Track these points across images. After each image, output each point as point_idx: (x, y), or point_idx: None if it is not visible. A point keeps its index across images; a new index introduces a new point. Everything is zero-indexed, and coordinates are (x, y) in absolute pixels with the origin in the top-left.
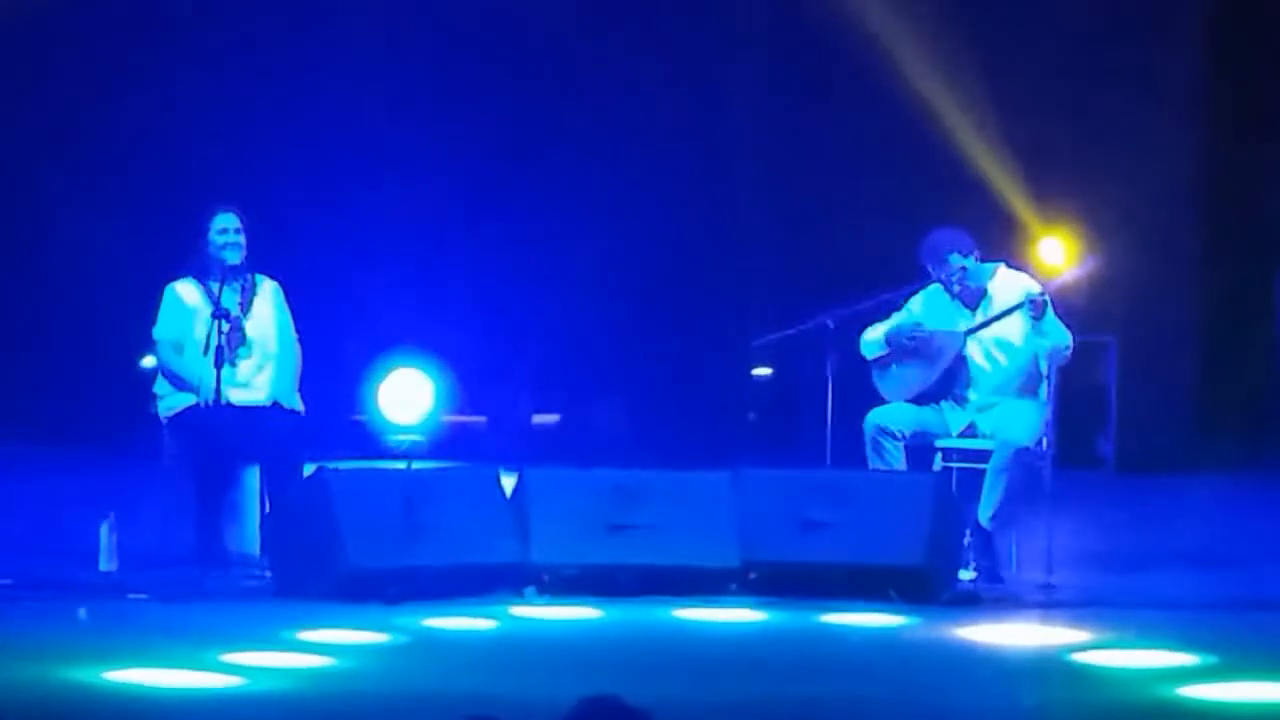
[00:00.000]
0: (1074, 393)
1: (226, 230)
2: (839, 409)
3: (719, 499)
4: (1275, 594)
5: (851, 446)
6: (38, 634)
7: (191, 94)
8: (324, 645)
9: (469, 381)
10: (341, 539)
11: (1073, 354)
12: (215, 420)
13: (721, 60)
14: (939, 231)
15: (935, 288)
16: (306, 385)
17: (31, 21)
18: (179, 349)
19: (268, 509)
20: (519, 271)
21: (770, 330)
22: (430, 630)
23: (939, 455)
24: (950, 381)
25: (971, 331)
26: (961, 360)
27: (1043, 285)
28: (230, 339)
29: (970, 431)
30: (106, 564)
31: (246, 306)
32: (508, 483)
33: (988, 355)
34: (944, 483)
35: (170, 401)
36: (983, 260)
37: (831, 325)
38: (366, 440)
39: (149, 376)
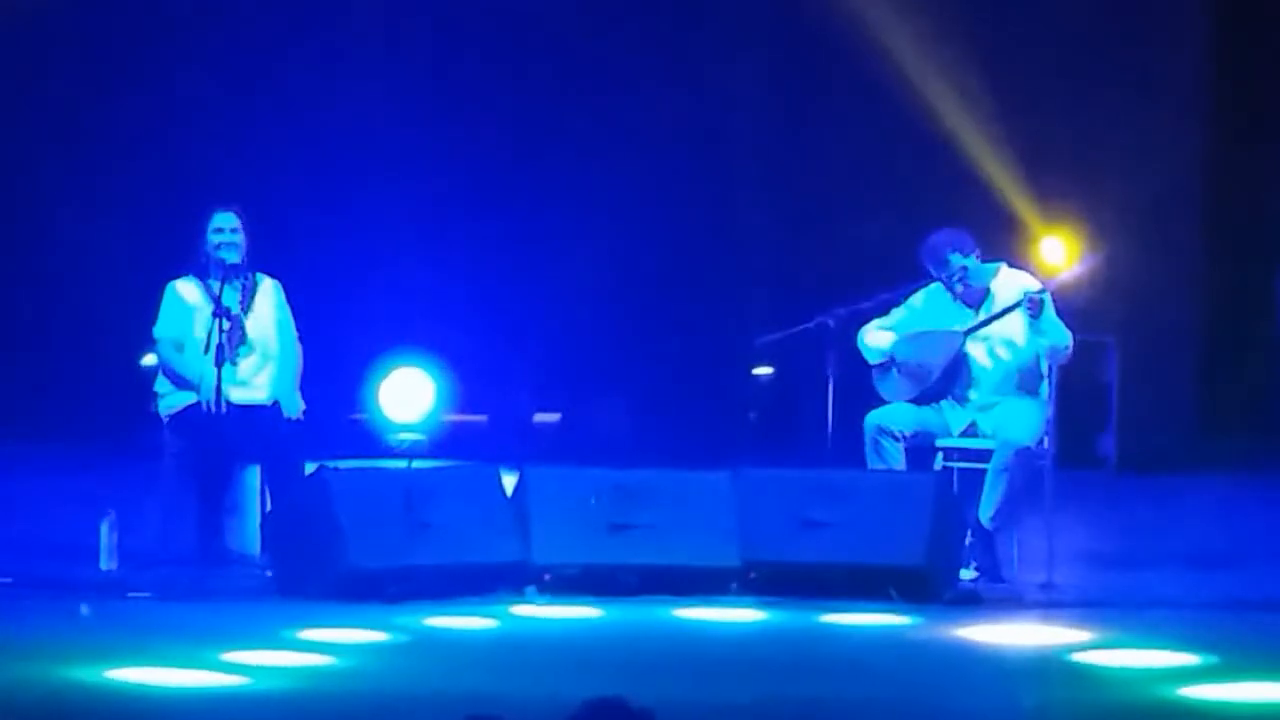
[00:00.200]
0: (1075, 392)
1: (222, 230)
2: (839, 409)
3: (720, 498)
4: (1276, 594)
5: (852, 446)
6: (39, 633)
7: (192, 93)
8: (325, 644)
9: (470, 380)
10: (342, 538)
11: (1073, 353)
12: (216, 419)
13: (722, 60)
14: (939, 233)
15: (936, 286)
16: (307, 384)
17: (31, 21)
18: (180, 347)
19: (268, 508)
20: (520, 270)
21: (771, 330)
22: (431, 629)
23: (940, 455)
24: (951, 381)
25: (970, 331)
26: (962, 359)
27: (1044, 284)
28: (231, 337)
29: (971, 431)
30: (107, 563)
31: (247, 305)
32: (509, 482)
33: (989, 354)
34: (945, 482)
35: (171, 400)
36: (984, 260)
37: (832, 325)
38: (367, 439)
39: (150, 375)
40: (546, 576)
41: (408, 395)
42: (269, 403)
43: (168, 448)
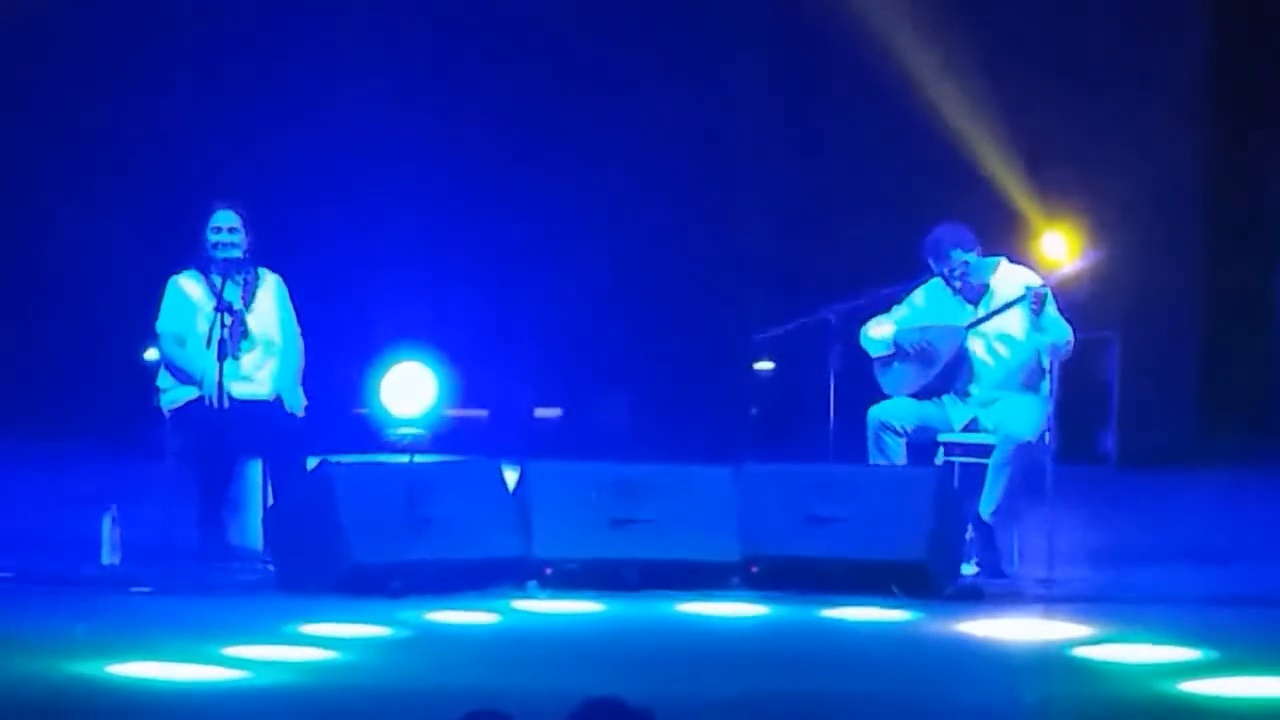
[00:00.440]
0: (1076, 388)
1: (220, 230)
2: (841, 404)
3: (721, 493)
4: (1277, 589)
5: (854, 441)
6: (41, 628)
7: (195, 89)
8: (327, 639)
9: (471, 376)
10: (344, 533)
11: (1074, 349)
12: (218, 414)
13: (722, 56)
14: (941, 227)
15: (937, 282)
16: (309, 379)
17: (32, 18)
18: (182, 342)
19: (270, 503)
20: (522, 266)
21: (772, 325)
22: (433, 624)
23: (941, 450)
24: (952, 376)
25: (972, 326)
26: (964, 355)
27: (1044, 280)
28: (233, 332)
29: (973, 426)
30: (109, 558)
31: (249, 300)
32: (510, 477)
33: (990, 350)
34: (946, 478)
35: (173, 395)
36: (984, 256)
37: (833, 320)
38: (369, 434)
39: (152, 370)
40: (548, 571)
41: (409, 390)
42: (271, 398)
43: (170, 443)
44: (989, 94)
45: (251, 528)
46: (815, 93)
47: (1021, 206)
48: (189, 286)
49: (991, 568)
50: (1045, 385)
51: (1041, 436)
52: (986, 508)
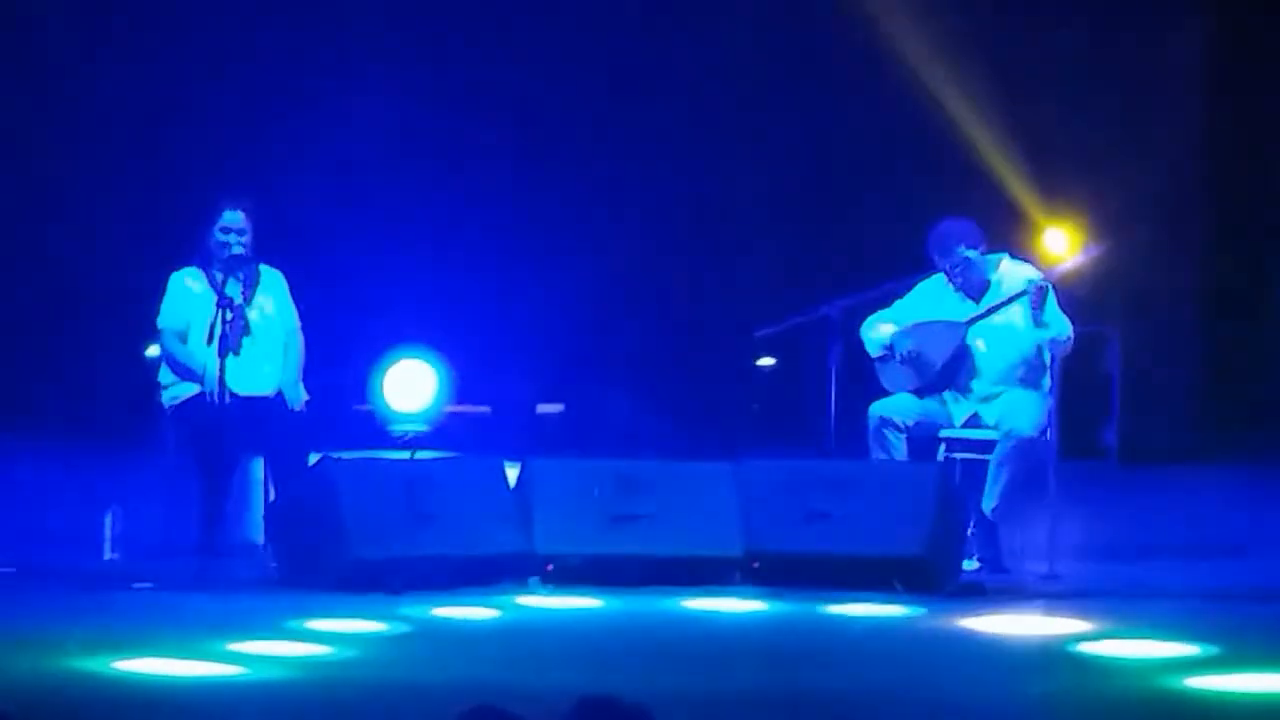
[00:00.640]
0: (1077, 384)
1: (230, 230)
2: (842, 400)
3: (722, 489)
4: (1279, 584)
5: (855, 437)
6: (44, 624)
7: (198, 85)
8: (328, 635)
9: (473, 371)
10: (346, 529)
11: (1076, 345)
12: (219, 410)
13: (723, 49)
14: (949, 222)
15: (938, 278)
16: (311, 375)
17: (36, 13)
18: (183, 338)
19: (272, 499)
20: (523, 262)
21: (774, 321)
22: (435, 620)
23: (943, 446)
24: (954, 372)
25: (973, 322)
26: (965, 351)
27: (1046, 275)
28: (234, 328)
29: (974, 422)
30: (111, 553)
31: (250, 296)
32: (512, 473)
33: (991, 345)
34: (947, 473)
35: (175, 391)
36: (987, 252)
37: (835, 316)
38: (371, 430)
39: (153, 367)
40: (549, 567)
41: (411, 386)
42: (272, 394)
43: (171, 439)
44: (991, 90)
45: (253, 524)
46: (817, 88)
47: (1023, 202)
48: (191, 282)
49: (993, 563)
50: (1046, 381)
51: (1043, 432)
52: (988, 503)
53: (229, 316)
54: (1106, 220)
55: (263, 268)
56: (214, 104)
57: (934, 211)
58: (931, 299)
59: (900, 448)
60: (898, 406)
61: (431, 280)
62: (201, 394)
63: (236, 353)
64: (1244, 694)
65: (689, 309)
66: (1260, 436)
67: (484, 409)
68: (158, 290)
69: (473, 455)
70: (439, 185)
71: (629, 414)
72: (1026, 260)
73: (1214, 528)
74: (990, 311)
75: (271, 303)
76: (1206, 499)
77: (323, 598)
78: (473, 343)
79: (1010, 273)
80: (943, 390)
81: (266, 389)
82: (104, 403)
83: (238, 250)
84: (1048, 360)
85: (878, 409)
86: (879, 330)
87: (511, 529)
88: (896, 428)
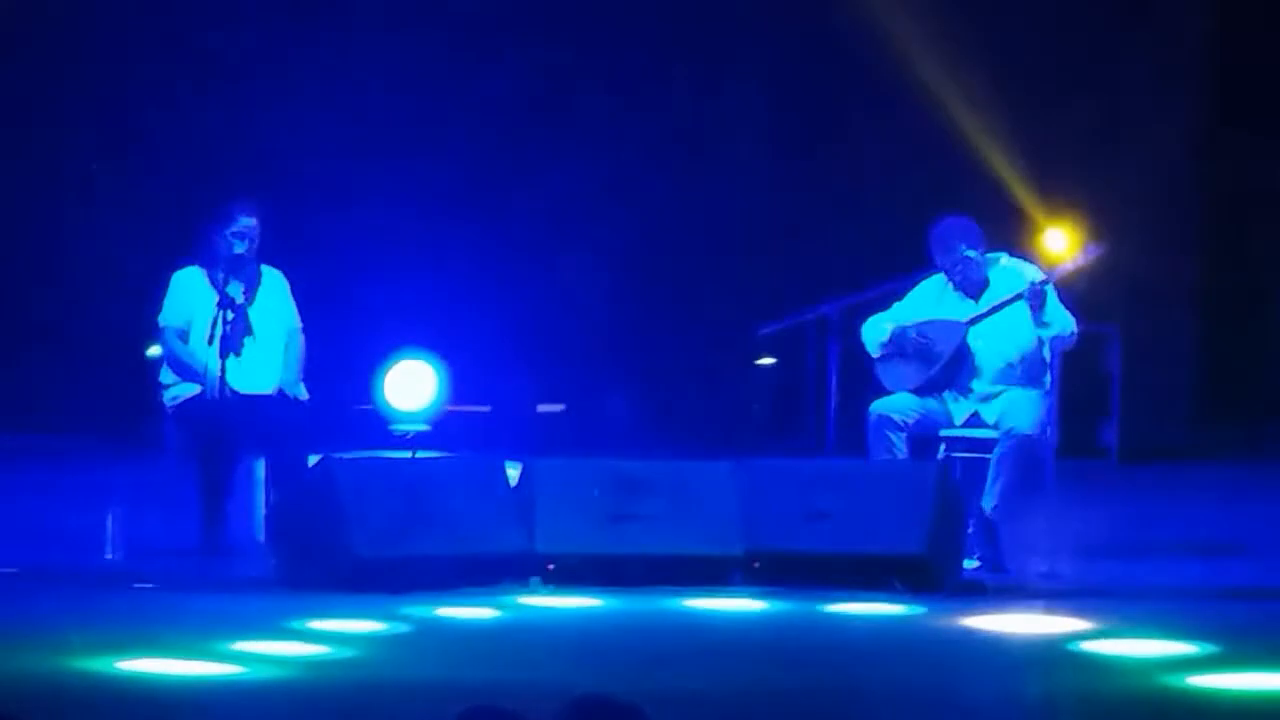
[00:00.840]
0: (1077, 383)
1: (242, 235)
2: (842, 399)
3: (723, 488)
4: (1278, 582)
5: (855, 436)
6: (45, 624)
7: (201, 85)
8: (329, 634)
9: (474, 371)
10: (347, 528)
11: (1076, 343)
12: (220, 409)
13: (725, 49)
14: (953, 219)
15: (938, 277)
16: (311, 375)
17: (39, 15)
18: (184, 337)
19: (273, 498)
20: (524, 262)
21: (774, 320)
22: (436, 619)
23: (943, 445)
24: (953, 372)
25: (973, 321)
26: (965, 350)
27: (1045, 274)
28: (235, 328)
29: (974, 421)
30: (112, 553)
31: (252, 296)
32: (513, 472)
33: (991, 344)
34: (947, 472)
35: (176, 391)
36: (987, 252)
37: (834, 315)
38: (372, 430)
39: (155, 366)
40: (550, 566)
41: (412, 386)
42: (273, 393)
43: (172, 438)
44: (991, 90)
45: (254, 523)
46: (817, 89)
47: (1023, 202)
48: (192, 282)
49: (993, 562)
50: (1047, 380)
51: (1043, 431)
52: (988, 502)
53: (230, 317)
54: (1106, 220)
55: (264, 268)
56: (215, 104)
57: (934, 211)
58: (931, 299)
59: (900, 447)
60: (898, 405)
61: (433, 279)
62: (202, 394)
63: (238, 353)
64: (1244, 693)
65: (689, 309)
66: (1259, 436)
67: (485, 408)
68: (159, 290)
69: (474, 455)
70: (440, 185)
71: (630, 413)
72: (1026, 259)
73: (1213, 526)
74: (991, 311)
75: (273, 302)
76: (1206, 497)
77: (323, 597)
78: (473, 342)
79: (1009, 272)
80: (943, 389)
81: (267, 389)
82: (105, 402)
83: (239, 251)
84: (1048, 359)
85: (878, 408)
86: (879, 330)
87: (512, 528)
88: (896, 427)
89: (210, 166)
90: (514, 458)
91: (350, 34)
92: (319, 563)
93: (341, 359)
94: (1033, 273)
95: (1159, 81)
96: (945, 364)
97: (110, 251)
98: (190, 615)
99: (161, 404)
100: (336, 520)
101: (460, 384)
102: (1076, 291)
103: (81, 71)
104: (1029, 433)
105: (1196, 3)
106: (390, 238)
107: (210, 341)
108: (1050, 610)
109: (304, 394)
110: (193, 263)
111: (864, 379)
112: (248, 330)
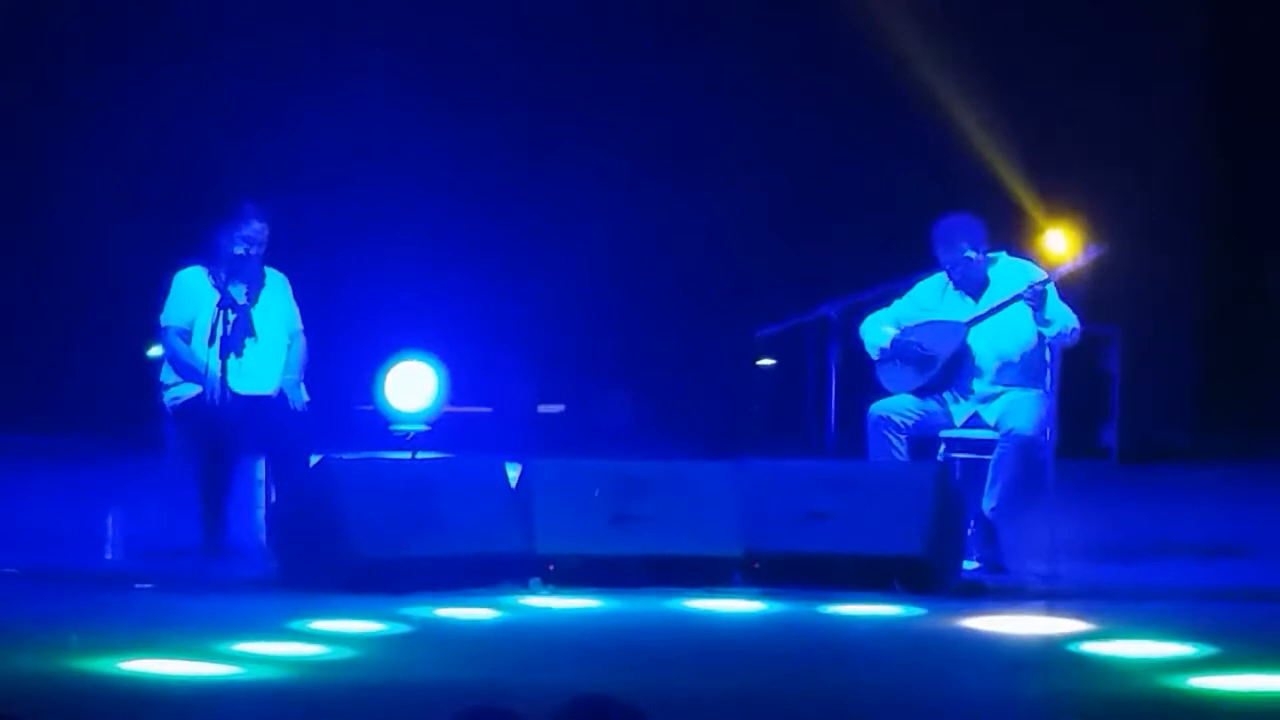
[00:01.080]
0: (1077, 383)
1: (252, 241)
2: (842, 400)
3: (722, 489)
4: (1278, 584)
5: (855, 437)
6: (45, 624)
7: (203, 86)
8: (329, 635)
9: (474, 372)
10: (347, 529)
11: (1076, 344)
12: (220, 410)
13: (724, 50)
14: (958, 217)
15: (939, 276)
16: (312, 375)
17: (42, 15)
18: (185, 337)
19: (273, 499)
20: (524, 262)
21: (773, 321)
22: (436, 620)
23: (943, 446)
24: (953, 373)
25: (973, 322)
26: (964, 351)
27: (1045, 274)
28: (236, 329)
29: (974, 422)
30: (112, 553)
31: (254, 297)
32: (513, 473)
33: (991, 345)
34: (947, 473)
35: (176, 391)
36: (988, 252)
37: (834, 316)
38: (372, 431)
39: (155, 367)
40: (550, 567)
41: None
42: (274, 394)
43: (173, 439)
44: (991, 91)
45: (254, 523)
46: (818, 86)
47: (1023, 202)
48: (194, 282)
49: (993, 563)
50: (1047, 381)
51: (1043, 432)
52: (988, 503)
53: (231, 317)
54: (1107, 220)
55: (267, 270)
56: (216, 105)
57: (933, 211)
58: (931, 298)
59: (900, 448)
60: (897, 407)
61: (433, 280)
62: (203, 394)
63: (239, 354)
64: (1244, 694)
65: (689, 310)
66: (1260, 436)
67: (485, 409)
68: (160, 289)
69: (474, 455)
70: (441, 186)
71: (629, 414)
72: (1026, 259)
73: (1214, 527)
74: (992, 312)
75: (274, 303)
76: (1206, 498)
77: (323, 598)
78: (473, 343)
79: (1008, 271)
80: (943, 389)
81: (268, 390)
82: (106, 403)
83: (243, 253)
84: (1048, 359)
85: (878, 409)
86: (879, 332)
87: (512, 529)
88: (896, 428)
89: (210, 166)
90: (514, 458)
91: (350, 34)
92: (319, 563)
93: (341, 359)
94: (1033, 273)
95: (1159, 81)
96: (944, 365)
97: (110, 251)
98: (190, 616)
99: (162, 404)
100: (336, 521)
101: (460, 385)
102: (1077, 292)
103: (85, 69)
104: (1029, 434)
105: (1196, 2)
106: (391, 239)
107: (211, 342)
108: (1050, 611)
109: (305, 397)
110: (196, 262)
111: (864, 380)
112: (249, 331)
